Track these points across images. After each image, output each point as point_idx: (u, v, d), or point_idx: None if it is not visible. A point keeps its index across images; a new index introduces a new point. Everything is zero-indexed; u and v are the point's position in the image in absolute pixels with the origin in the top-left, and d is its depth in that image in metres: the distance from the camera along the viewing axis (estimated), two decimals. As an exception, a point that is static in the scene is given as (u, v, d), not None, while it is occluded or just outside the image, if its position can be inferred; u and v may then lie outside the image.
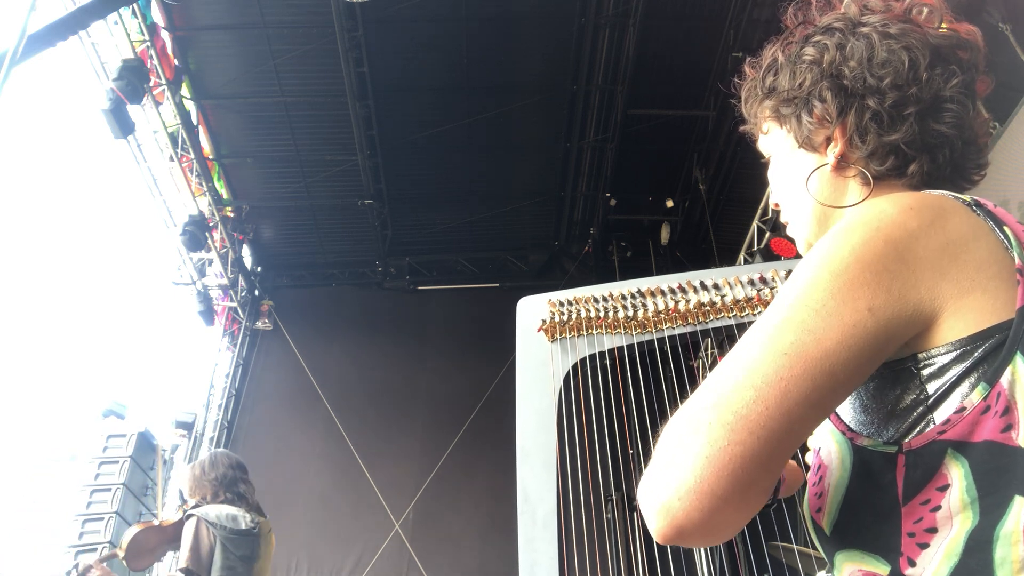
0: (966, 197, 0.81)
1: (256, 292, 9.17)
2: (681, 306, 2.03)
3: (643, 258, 9.02)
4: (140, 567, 3.12)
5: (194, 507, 3.14)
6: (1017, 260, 0.74)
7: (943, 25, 0.92)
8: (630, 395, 2.07)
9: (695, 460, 0.68)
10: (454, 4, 6.89)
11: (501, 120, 7.81)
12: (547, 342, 2.04)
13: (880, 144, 0.90)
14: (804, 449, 0.91)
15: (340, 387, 8.47)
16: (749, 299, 1.98)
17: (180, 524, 3.11)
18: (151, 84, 6.59)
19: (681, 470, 0.69)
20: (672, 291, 2.05)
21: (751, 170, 7.76)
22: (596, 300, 2.09)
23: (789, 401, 0.69)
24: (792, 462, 1.13)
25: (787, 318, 0.72)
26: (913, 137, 0.89)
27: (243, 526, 3.11)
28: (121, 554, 3.04)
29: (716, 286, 2.03)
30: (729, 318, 1.97)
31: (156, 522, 3.18)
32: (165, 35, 6.76)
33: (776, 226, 6.64)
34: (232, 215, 8.60)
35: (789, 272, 0.80)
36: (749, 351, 0.73)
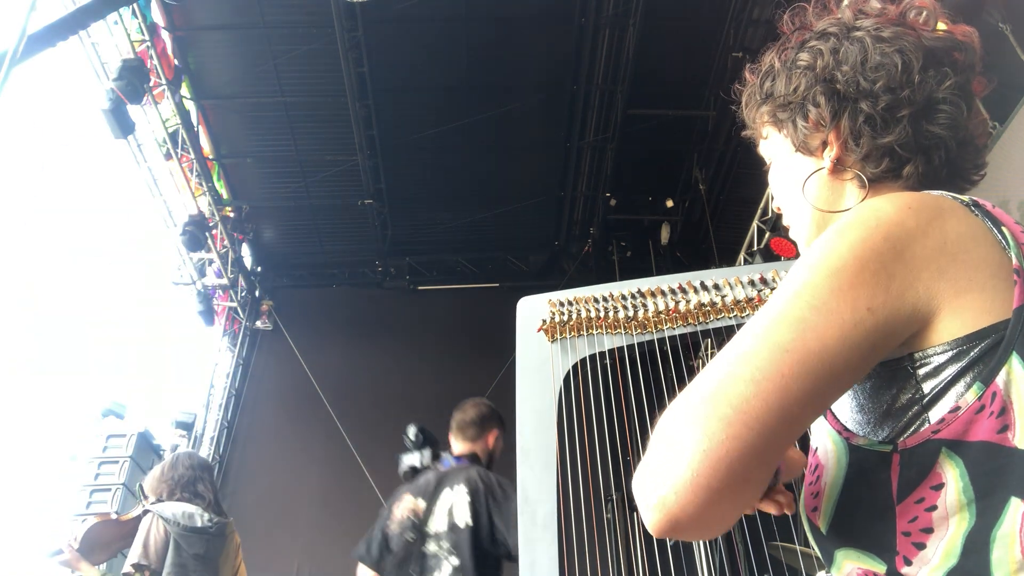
0: (964, 197, 0.81)
1: (256, 292, 9.17)
2: (681, 306, 2.03)
3: (643, 258, 9.02)
4: (96, 561, 3.11)
5: (152, 504, 3.13)
6: (1015, 260, 0.74)
7: (939, 27, 0.92)
8: (630, 395, 2.07)
9: (691, 454, 0.68)
10: (454, 4, 6.89)
11: (501, 120, 7.81)
12: (547, 342, 2.04)
13: (874, 147, 0.90)
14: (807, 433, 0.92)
15: (340, 387, 8.47)
16: (750, 299, 1.98)
17: (138, 520, 3.10)
18: (151, 84, 6.59)
19: (677, 463, 0.69)
20: (672, 291, 2.05)
21: (751, 170, 7.76)
22: (596, 300, 2.09)
23: (788, 396, 0.69)
24: (793, 446, 1.13)
25: (786, 314, 0.73)
26: (907, 139, 0.89)
27: (199, 524, 3.09)
28: (75, 545, 3.02)
29: (717, 286, 2.03)
30: (730, 318, 1.97)
31: (115, 517, 3.17)
32: (165, 35, 6.76)
33: (776, 226, 6.64)
34: (232, 215, 8.60)
35: (792, 272, 0.81)
36: (748, 346, 0.73)
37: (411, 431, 3.43)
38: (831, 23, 0.96)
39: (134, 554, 2.93)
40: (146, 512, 3.08)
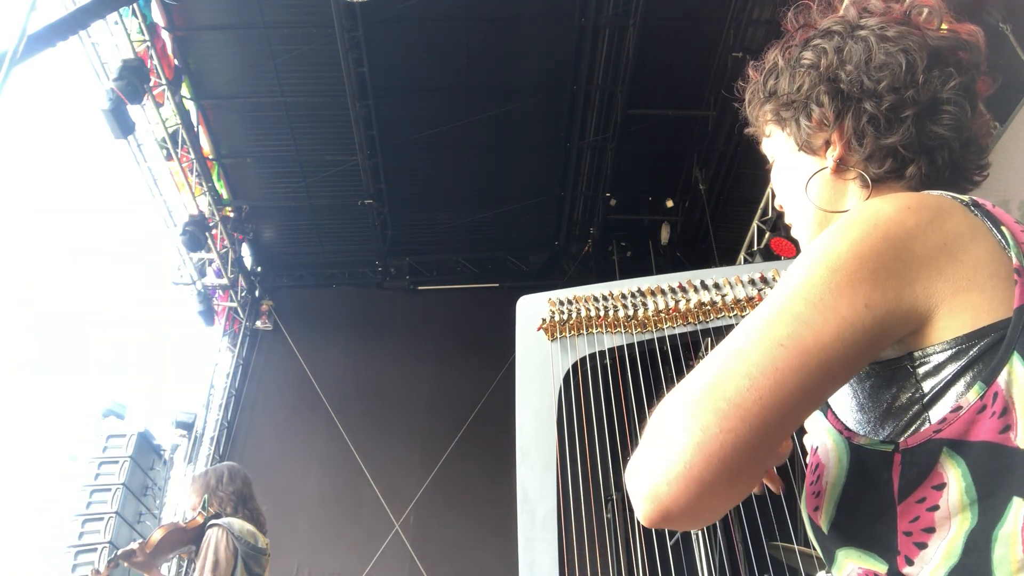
0: (964, 197, 0.81)
1: (256, 292, 9.17)
2: (681, 305, 2.03)
3: (643, 258, 9.02)
4: (156, 564, 3.17)
5: (215, 516, 3.18)
6: (1015, 260, 0.74)
7: (943, 26, 0.92)
8: (630, 394, 2.07)
9: (685, 446, 0.68)
10: (454, 4, 6.89)
11: (501, 120, 7.81)
12: (547, 341, 2.04)
13: (877, 147, 0.90)
14: (803, 431, 0.91)
15: (340, 387, 8.47)
16: (750, 298, 1.98)
17: (202, 528, 3.14)
18: (151, 84, 6.59)
19: (670, 455, 0.69)
20: (672, 290, 2.05)
21: (751, 170, 7.77)
22: (596, 299, 2.09)
23: (783, 391, 0.69)
24: None
25: (784, 310, 0.73)
26: (910, 140, 0.89)
27: (260, 545, 3.19)
28: (149, 550, 3.08)
29: (716, 285, 2.03)
30: (730, 317, 1.97)
31: (182, 524, 3.21)
32: (165, 35, 6.76)
33: (776, 226, 6.64)
34: (232, 215, 8.60)
35: (791, 272, 0.80)
36: (744, 340, 0.73)
37: None
38: (835, 21, 0.96)
39: (207, 568, 2.98)
40: (212, 524, 3.13)
